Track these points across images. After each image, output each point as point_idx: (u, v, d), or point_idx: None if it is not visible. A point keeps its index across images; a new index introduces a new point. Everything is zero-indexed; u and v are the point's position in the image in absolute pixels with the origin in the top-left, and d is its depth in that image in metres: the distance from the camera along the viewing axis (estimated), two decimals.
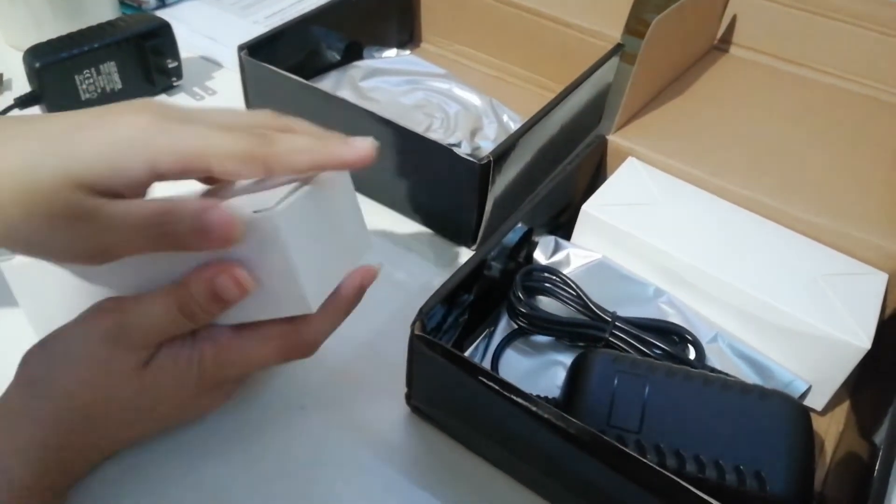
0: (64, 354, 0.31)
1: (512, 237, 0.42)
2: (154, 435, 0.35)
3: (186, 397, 0.33)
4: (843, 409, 0.41)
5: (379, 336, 0.42)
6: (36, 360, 0.31)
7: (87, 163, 0.27)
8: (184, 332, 0.32)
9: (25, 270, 0.34)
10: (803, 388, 0.39)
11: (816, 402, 0.40)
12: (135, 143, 0.27)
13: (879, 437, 0.34)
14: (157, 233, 0.28)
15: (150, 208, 0.28)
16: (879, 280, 0.41)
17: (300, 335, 0.33)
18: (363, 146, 0.31)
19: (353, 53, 0.63)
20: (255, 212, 0.29)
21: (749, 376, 0.40)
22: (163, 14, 0.64)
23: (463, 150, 0.44)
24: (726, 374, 0.38)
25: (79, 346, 0.31)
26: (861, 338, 0.37)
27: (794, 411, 0.34)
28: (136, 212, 0.28)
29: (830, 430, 0.40)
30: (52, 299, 0.34)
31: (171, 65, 0.59)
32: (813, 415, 0.39)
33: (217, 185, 0.35)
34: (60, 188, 0.26)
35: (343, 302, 0.34)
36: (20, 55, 0.55)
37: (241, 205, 0.30)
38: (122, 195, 0.28)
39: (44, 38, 0.55)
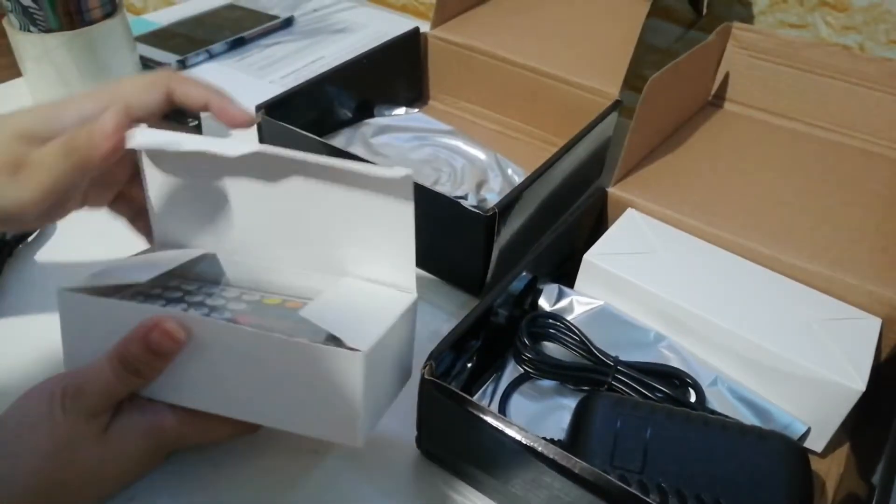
0: (19, 426, 0.32)
1: (517, 285, 0.44)
2: (113, 495, 0.36)
3: (144, 461, 0.35)
4: (843, 451, 0.42)
5: None
6: None
7: (26, 121, 0.35)
8: (134, 389, 0.34)
9: (81, 301, 0.34)
10: (802, 429, 0.40)
11: (816, 444, 0.41)
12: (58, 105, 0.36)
13: (878, 477, 0.35)
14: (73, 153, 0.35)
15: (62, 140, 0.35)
16: (873, 325, 0.43)
17: None
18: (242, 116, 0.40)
19: (364, 111, 0.66)
20: (342, 345, 0.31)
21: (749, 419, 0.41)
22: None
23: (469, 203, 0.46)
24: (726, 417, 0.39)
25: (38, 419, 0.32)
26: (856, 380, 0.38)
27: (792, 452, 0.35)
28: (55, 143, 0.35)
29: (831, 471, 0.41)
30: (99, 337, 0.34)
31: (192, 124, 0.62)
32: (814, 457, 0.40)
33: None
34: (6, 141, 0.34)
35: None
36: None
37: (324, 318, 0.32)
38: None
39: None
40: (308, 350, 0.31)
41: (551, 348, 0.44)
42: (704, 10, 0.70)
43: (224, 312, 0.36)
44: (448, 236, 0.49)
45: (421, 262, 0.52)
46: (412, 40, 0.69)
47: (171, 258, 0.38)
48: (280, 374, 0.32)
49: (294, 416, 0.33)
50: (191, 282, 0.39)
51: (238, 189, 0.37)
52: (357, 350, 0.31)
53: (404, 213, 0.34)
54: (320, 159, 0.34)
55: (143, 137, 0.36)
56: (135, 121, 0.36)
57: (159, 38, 0.79)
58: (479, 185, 0.59)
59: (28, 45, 0.62)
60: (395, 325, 0.34)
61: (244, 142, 0.35)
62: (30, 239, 0.51)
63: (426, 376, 0.35)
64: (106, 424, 0.33)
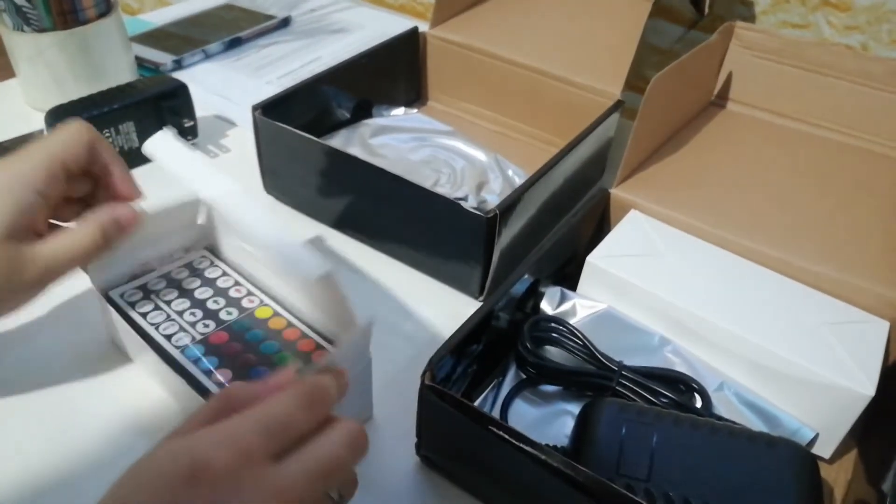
0: None
1: (519, 288, 0.43)
2: None
3: None
4: (852, 457, 0.41)
5: (388, 387, 0.43)
6: None
7: (5, 220, 0.33)
8: None
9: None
10: (810, 435, 0.39)
11: (824, 450, 0.40)
12: (17, 182, 0.35)
13: (887, 484, 0.34)
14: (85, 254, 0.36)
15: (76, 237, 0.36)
16: (881, 328, 0.42)
17: None
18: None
19: (362, 112, 0.65)
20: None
21: (756, 424, 0.40)
22: (178, 75, 0.66)
23: (469, 204, 0.45)
24: (733, 423, 0.38)
25: None
26: (865, 385, 0.38)
27: (801, 458, 0.34)
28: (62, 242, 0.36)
29: (839, 478, 0.40)
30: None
31: (188, 124, 0.61)
32: (822, 463, 0.40)
33: None
34: None
35: None
36: (42, 116, 0.57)
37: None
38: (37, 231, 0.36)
39: (65, 100, 0.57)
40: None
41: (554, 353, 0.43)
42: (706, 10, 0.69)
43: (211, 317, 0.41)
44: (448, 238, 0.48)
45: (421, 265, 0.52)
46: (411, 40, 0.68)
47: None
48: None
49: None
50: (217, 262, 0.46)
51: None
52: None
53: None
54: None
55: (156, 150, 0.38)
56: (68, 175, 0.37)
57: (155, 38, 0.78)
58: (480, 187, 0.58)
59: (21, 45, 0.62)
60: None
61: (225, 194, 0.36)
62: None
63: (426, 382, 0.34)
64: None
